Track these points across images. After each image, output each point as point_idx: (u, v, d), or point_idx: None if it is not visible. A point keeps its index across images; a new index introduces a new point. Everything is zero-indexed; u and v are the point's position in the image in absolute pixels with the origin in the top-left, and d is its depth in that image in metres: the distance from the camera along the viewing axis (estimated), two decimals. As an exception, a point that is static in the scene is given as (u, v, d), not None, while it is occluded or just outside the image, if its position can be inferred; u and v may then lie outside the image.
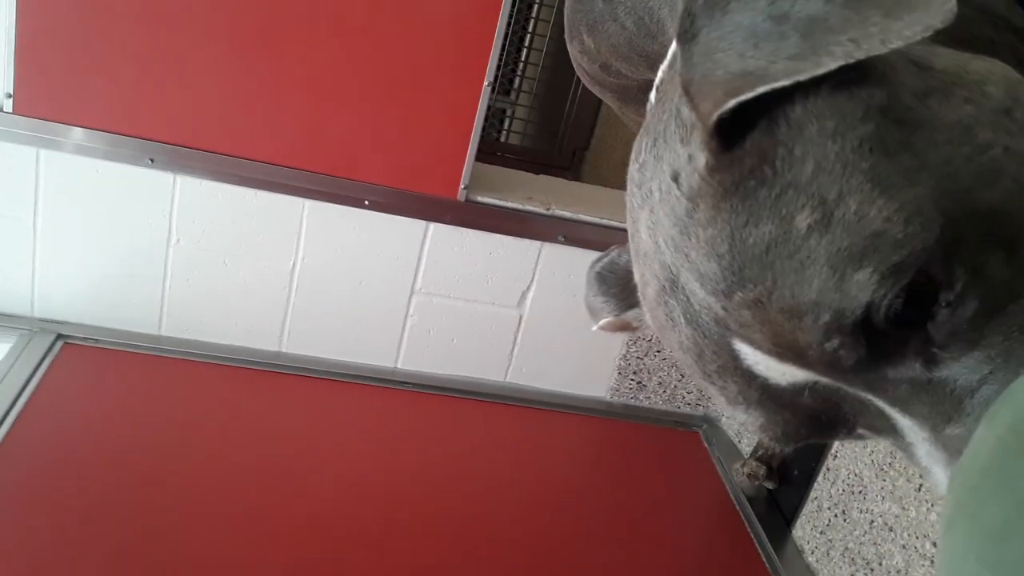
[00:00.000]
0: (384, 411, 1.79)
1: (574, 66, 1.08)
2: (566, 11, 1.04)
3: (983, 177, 0.33)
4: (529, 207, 1.77)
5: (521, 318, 1.85)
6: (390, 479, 1.57)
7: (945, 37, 0.37)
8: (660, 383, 1.90)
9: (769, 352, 0.38)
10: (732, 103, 0.33)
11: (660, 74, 0.48)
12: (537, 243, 1.79)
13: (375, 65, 1.59)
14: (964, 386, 0.34)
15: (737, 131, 0.35)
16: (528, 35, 2.94)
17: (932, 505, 1.23)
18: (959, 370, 0.35)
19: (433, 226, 1.75)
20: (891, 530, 1.30)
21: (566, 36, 1.04)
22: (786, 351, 0.37)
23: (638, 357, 1.87)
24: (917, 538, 1.24)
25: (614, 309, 0.57)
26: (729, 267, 0.37)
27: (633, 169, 0.46)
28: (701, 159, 0.37)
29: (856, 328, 0.34)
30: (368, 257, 1.77)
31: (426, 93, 1.63)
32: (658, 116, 0.43)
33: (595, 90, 1.09)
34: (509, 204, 1.76)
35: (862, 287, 0.33)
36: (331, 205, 1.69)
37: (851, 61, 0.31)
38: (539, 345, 1.87)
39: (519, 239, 1.78)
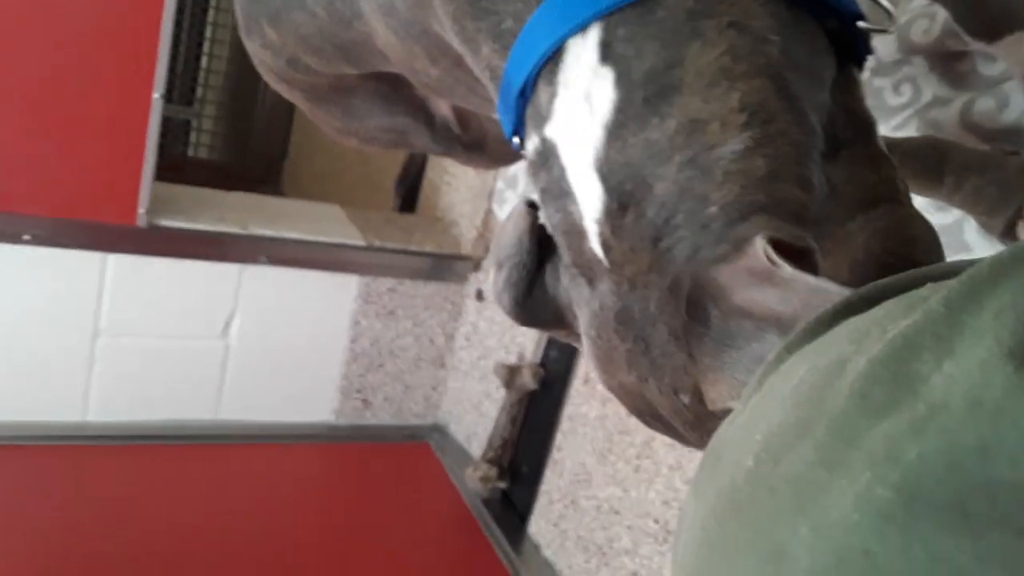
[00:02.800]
0: (75, 471, 1.56)
1: (255, 63, 0.98)
2: (239, 3, 0.94)
3: None
4: (223, 228, 1.63)
5: (228, 348, 1.70)
6: (99, 547, 1.37)
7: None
8: (386, 398, 1.85)
9: None
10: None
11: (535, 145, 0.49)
12: (237, 266, 1.66)
13: (19, 81, 1.37)
14: None
15: None
16: (207, 41, 2.74)
17: (651, 483, 1.29)
18: None
19: (112, 257, 1.55)
20: (617, 513, 1.36)
21: (241, 31, 0.94)
22: None
23: (360, 375, 1.80)
24: (640, 517, 1.30)
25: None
26: None
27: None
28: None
29: None
30: (36, 299, 1.53)
31: (87, 110, 1.43)
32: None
33: (281, 89, 1.00)
34: (200, 226, 1.61)
35: None
36: (-20, 244, 1.44)
37: None
38: (252, 375, 1.74)
39: (216, 263, 1.63)
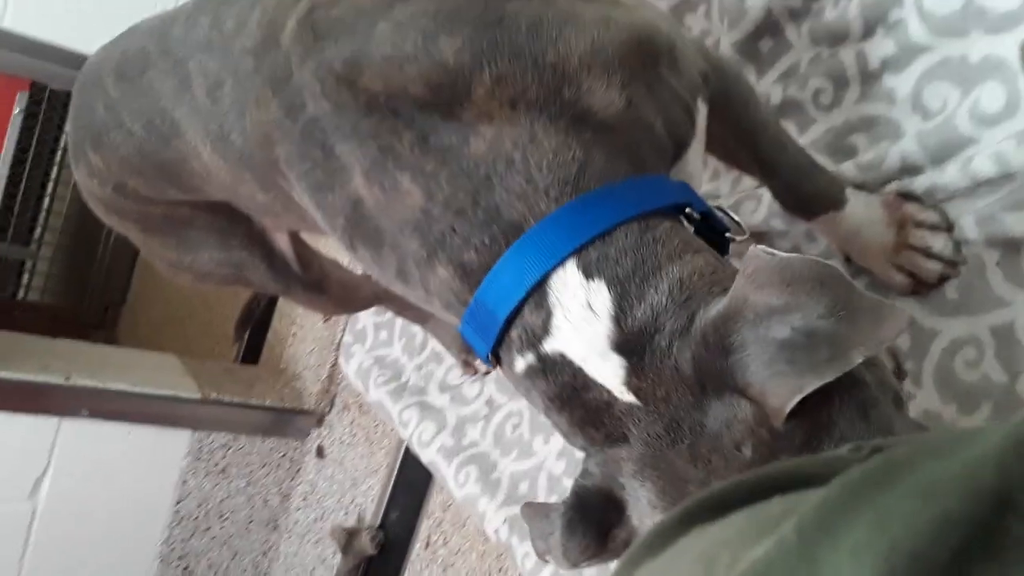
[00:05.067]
0: None
1: (85, 196, 0.94)
2: (68, 131, 0.92)
3: None
4: (44, 377, 1.52)
5: (35, 512, 1.54)
6: None
7: None
8: (210, 565, 1.71)
9: None
10: (798, 398, 0.46)
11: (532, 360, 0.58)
12: (55, 419, 1.53)
13: None
14: None
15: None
16: (51, 181, 2.66)
17: None
18: None
19: (-92, 410, 1.40)
20: None
21: (71, 162, 0.91)
22: None
23: (183, 539, 1.67)
24: None
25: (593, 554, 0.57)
26: None
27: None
28: (764, 434, 0.49)
29: None
30: None
31: None
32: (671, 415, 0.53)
33: (113, 222, 0.96)
34: (19, 376, 1.49)
35: None
36: None
37: (867, 356, 0.46)
38: (61, 541, 1.57)
39: (31, 416, 1.51)
